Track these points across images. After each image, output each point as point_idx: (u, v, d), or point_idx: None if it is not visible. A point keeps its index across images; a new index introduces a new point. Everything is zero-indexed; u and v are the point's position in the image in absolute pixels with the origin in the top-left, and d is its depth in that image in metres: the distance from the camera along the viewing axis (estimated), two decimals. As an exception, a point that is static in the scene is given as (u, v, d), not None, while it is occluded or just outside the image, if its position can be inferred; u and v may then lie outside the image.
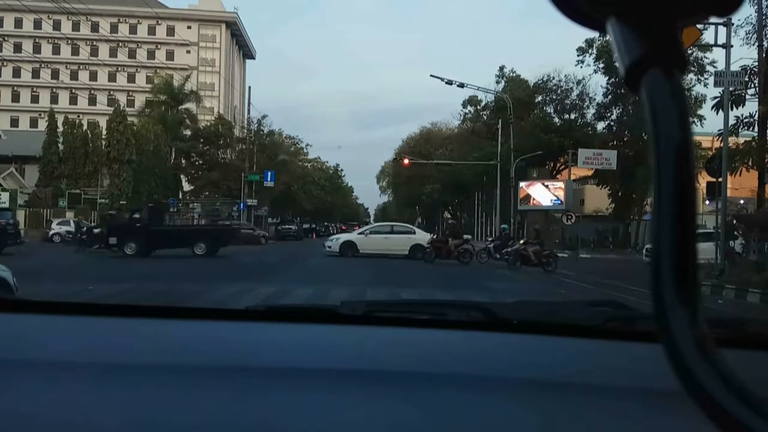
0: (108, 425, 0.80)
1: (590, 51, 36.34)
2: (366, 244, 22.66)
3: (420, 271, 17.01)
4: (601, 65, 35.94)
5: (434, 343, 1.18)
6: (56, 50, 68.56)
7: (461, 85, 33.01)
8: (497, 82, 43.13)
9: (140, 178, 40.13)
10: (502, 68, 43.65)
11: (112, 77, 68.71)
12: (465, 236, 22.69)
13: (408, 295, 9.68)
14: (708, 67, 31.06)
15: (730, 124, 15.82)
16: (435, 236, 23.88)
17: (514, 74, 43.37)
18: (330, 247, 23.32)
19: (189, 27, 72.92)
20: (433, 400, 0.89)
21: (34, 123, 63.32)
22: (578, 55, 37.14)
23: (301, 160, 61.76)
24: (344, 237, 25.02)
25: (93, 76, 67.44)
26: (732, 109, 16.08)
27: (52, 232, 30.25)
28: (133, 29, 70.46)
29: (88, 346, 1.11)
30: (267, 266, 17.16)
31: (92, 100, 63.81)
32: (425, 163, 47.63)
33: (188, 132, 47.60)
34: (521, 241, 21.41)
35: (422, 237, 23.07)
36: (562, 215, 31.99)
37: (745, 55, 42.78)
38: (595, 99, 39.58)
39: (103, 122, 43.04)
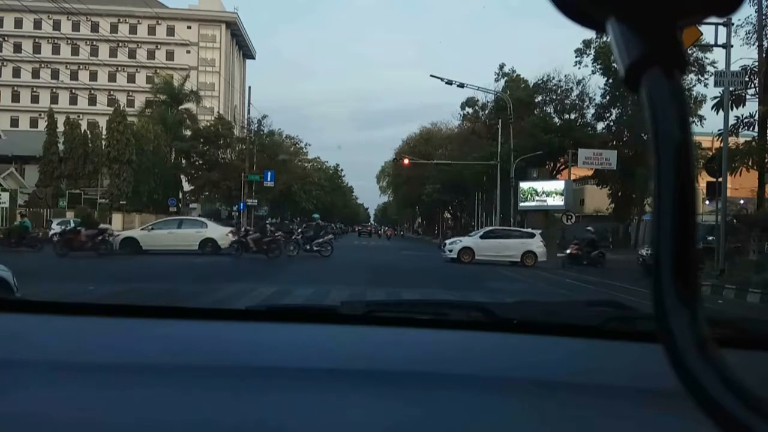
0: (108, 425, 0.80)
1: (588, 52, 36.32)
2: (150, 240, 21.14)
3: (420, 271, 17.01)
4: (599, 66, 35.91)
5: (434, 343, 1.18)
6: (56, 50, 68.55)
7: (461, 85, 33.01)
8: (497, 80, 43.14)
9: (140, 178, 40.12)
10: (501, 66, 43.64)
11: (112, 77, 68.70)
12: (293, 227, 22.12)
13: (408, 295, 9.68)
14: (708, 67, 31.04)
15: (730, 124, 15.83)
16: (246, 229, 22.59)
17: (514, 73, 43.38)
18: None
19: (189, 27, 72.91)
20: (433, 400, 0.89)
21: (34, 123, 63.30)
22: (576, 57, 37.14)
23: (301, 160, 61.77)
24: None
25: (93, 76, 67.43)
26: (732, 109, 16.10)
27: (52, 232, 30.30)
28: (133, 29, 70.45)
29: (88, 346, 1.11)
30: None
31: (92, 100, 63.80)
32: (425, 163, 47.60)
33: (188, 132, 47.60)
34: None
35: (215, 230, 21.88)
36: (562, 215, 31.99)
37: (745, 55, 42.81)
38: (594, 99, 39.60)
39: (103, 122, 43.03)
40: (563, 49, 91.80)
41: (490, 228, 28.75)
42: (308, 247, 20.43)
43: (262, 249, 19.00)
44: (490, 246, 21.86)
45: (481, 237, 22.93)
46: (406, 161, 46.42)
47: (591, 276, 16.75)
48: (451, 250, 22.16)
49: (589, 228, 26.12)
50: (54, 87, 65.85)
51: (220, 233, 21.70)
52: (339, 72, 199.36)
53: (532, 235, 22.84)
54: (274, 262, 18.26)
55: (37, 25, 63.30)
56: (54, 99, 64.23)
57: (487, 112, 44.46)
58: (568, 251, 20.98)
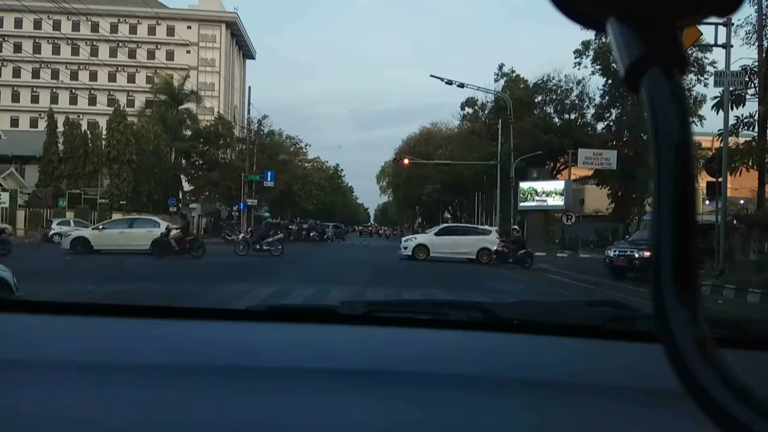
0: (108, 425, 0.80)
1: (587, 53, 36.33)
2: (101, 239, 20.75)
3: (420, 271, 17.03)
4: (599, 67, 35.92)
5: (434, 343, 1.17)
6: (56, 50, 68.55)
7: (461, 85, 33.01)
8: (496, 80, 43.18)
9: (140, 178, 40.13)
10: (501, 66, 43.67)
11: (112, 77, 68.69)
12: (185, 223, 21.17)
13: (408, 295, 9.68)
14: (708, 67, 31.03)
15: (730, 124, 15.82)
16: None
17: (513, 73, 43.40)
18: None
19: (189, 27, 72.90)
20: (433, 400, 0.89)
21: (34, 123, 63.30)
22: (575, 57, 37.15)
23: (301, 160, 61.79)
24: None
25: (93, 76, 67.43)
26: (732, 109, 16.08)
27: (52, 232, 30.29)
28: (133, 29, 70.44)
29: (88, 346, 1.11)
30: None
31: (92, 100, 63.81)
32: (425, 163, 47.62)
33: (188, 132, 47.59)
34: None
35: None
36: (562, 215, 32.00)
37: (745, 55, 42.81)
38: (594, 99, 39.61)
39: (103, 122, 43.03)
40: (563, 50, 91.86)
41: (446, 225, 28.52)
42: (258, 247, 20.07)
43: (185, 249, 18.33)
44: (444, 243, 21.66)
45: (436, 234, 22.76)
46: (406, 161, 46.43)
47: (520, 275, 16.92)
48: (405, 248, 21.91)
49: (515, 227, 26.02)
50: (54, 87, 65.84)
51: (172, 233, 20.65)
52: (339, 72, 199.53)
53: (488, 232, 22.77)
54: (197, 262, 17.56)
55: (37, 25, 63.28)
56: (54, 99, 64.23)
57: (487, 112, 44.49)
58: (494, 248, 20.89)
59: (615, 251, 17.18)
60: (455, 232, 22.97)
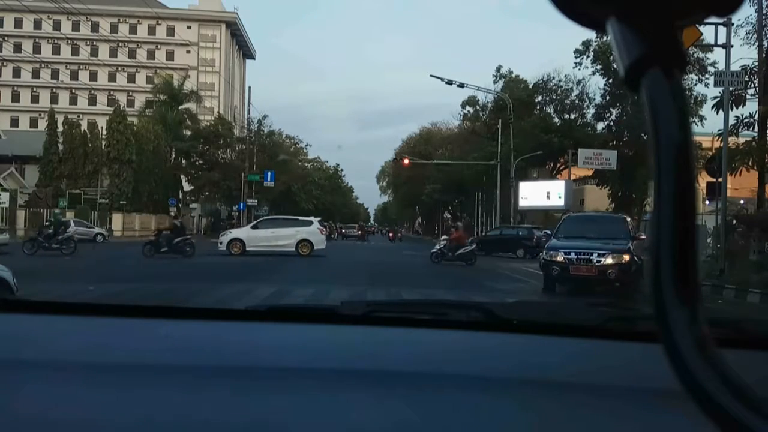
0: (108, 425, 0.80)
1: (587, 53, 36.32)
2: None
3: (420, 271, 17.02)
4: (599, 67, 35.91)
5: (434, 343, 1.17)
6: (56, 50, 68.55)
7: (461, 85, 33.03)
8: (495, 82, 43.19)
9: (140, 178, 40.14)
10: (499, 68, 43.67)
11: (112, 77, 68.70)
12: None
13: (408, 295, 9.68)
14: (708, 67, 31.02)
15: (730, 124, 15.81)
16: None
17: (512, 74, 43.41)
18: None
19: (189, 27, 72.91)
20: (433, 400, 0.89)
21: (34, 123, 63.34)
22: (576, 57, 37.14)
23: (301, 160, 61.75)
24: None
25: (93, 76, 67.43)
26: (732, 109, 16.07)
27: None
28: (133, 29, 70.45)
29: (88, 346, 1.11)
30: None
31: (92, 100, 63.81)
32: (425, 163, 47.63)
33: (188, 132, 47.61)
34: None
35: None
36: (562, 215, 31.98)
37: (745, 55, 42.77)
38: (594, 99, 39.60)
39: (103, 122, 43.04)
40: (563, 50, 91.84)
41: (265, 217, 27.42)
42: (47, 245, 19.37)
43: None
44: (261, 236, 21.00)
45: (253, 227, 22.12)
46: (406, 161, 46.44)
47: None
48: (221, 243, 21.26)
49: (458, 223, 25.01)
50: (54, 87, 65.86)
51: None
52: (339, 72, 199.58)
53: (309, 223, 22.01)
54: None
55: (37, 25, 63.30)
56: (54, 99, 64.24)
57: (487, 112, 44.49)
58: (437, 247, 20.21)
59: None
60: (273, 225, 22.20)
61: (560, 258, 11.59)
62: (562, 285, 11.85)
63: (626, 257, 11.40)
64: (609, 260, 11.38)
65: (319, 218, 24.39)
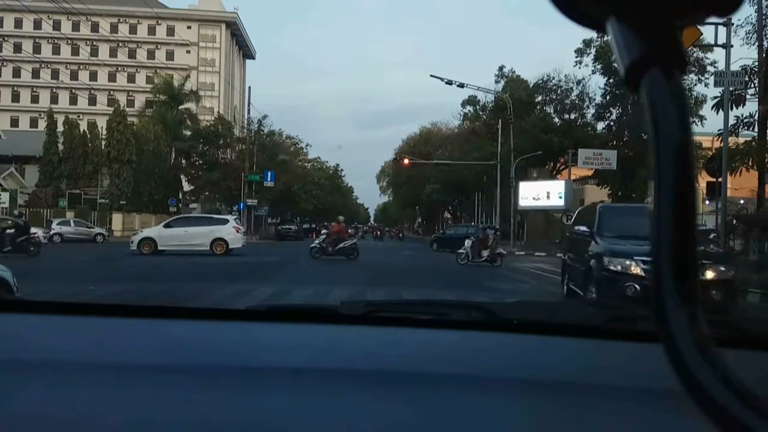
0: (108, 425, 0.80)
1: (588, 52, 36.33)
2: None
3: (421, 271, 17.03)
4: (600, 66, 35.91)
5: (434, 343, 1.17)
6: (56, 50, 68.55)
7: (461, 85, 33.03)
8: (496, 82, 43.22)
9: (140, 178, 40.13)
10: (501, 68, 43.73)
11: (112, 77, 68.70)
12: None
13: (408, 295, 9.65)
14: (708, 67, 31.03)
15: (730, 124, 15.81)
16: None
17: (514, 74, 43.43)
18: None
19: (189, 27, 72.90)
20: (433, 400, 0.89)
21: (34, 123, 63.31)
22: (576, 57, 37.14)
23: (301, 160, 61.73)
24: None
25: (93, 76, 67.43)
26: (732, 109, 16.07)
27: (52, 232, 30.25)
28: (133, 29, 70.44)
29: (88, 346, 1.11)
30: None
31: (92, 100, 63.80)
32: (425, 163, 47.63)
33: (188, 132, 47.61)
34: None
35: None
36: (562, 215, 31.98)
37: (745, 55, 42.80)
38: (594, 99, 39.60)
39: (103, 122, 43.05)
40: (563, 50, 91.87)
41: (180, 216, 26.81)
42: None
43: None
44: (174, 235, 20.54)
45: (165, 226, 21.45)
46: (406, 161, 46.43)
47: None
48: (132, 242, 20.87)
49: (339, 217, 23.64)
50: (54, 87, 65.84)
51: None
52: (339, 72, 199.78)
53: (225, 222, 21.55)
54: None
55: (37, 25, 63.30)
56: (54, 99, 64.24)
57: (487, 112, 44.50)
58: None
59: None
60: (186, 224, 21.69)
61: (638, 270, 7.98)
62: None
63: (730, 270, 8.56)
64: (710, 274, 8.18)
65: (235, 217, 23.27)
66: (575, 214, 12.01)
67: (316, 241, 20.28)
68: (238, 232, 21.36)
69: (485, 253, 19.48)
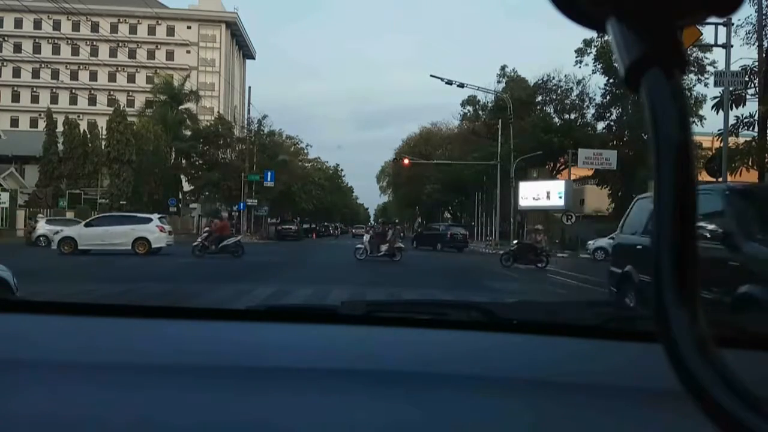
0: (108, 425, 0.80)
1: (589, 51, 36.32)
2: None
3: (420, 271, 17.04)
4: (600, 66, 35.91)
5: (434, 343, 1.17)
6: (56, 50, 68.56)
7: (461, 85, 33.04)
8: (498, 82, 43.20)
9: (140, 178, 40.14)
10: (503, 68, 43.72)
11: (112, 77, 68.72)
12: None
13: (408, 295, 9.67)
14: (708, 67, 31.03)
15: (730, 124, 15.82)
16: None
17: (515, 74, 43.43)
18: None
19: (189, 27, 72.92)
20: (433, 400, 0.89)
21: (34, 123, 63.30)
22: (577, 56, 37.14)
23: (301, 160, 61.73)
24: None
25: (93, 76, 67.44)
26: (732, 109, 16.08)
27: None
28: (133, 29, 70.46)
29: (88, 346, 1.11)
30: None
31: (92, 100, 63.82)
32: (425, 163, 47.64)
33: (188, 132, 47.61)
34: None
35: None
36: (562, 215, 31.99)
37: (745, 55, 42.77)
38: (594, 99, 39.60)
39: (103, 122, 43.06)
40: (563, 49, 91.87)
41: (102, 214, 25.96)
42: None
43: None
44: (95, 234, 20.20)
45: (86, 225, 21.09)
46: (406, 161, 46.44)
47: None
48: (53, 241, 20.43)
49: (223, 214, 23.91)
50: (54, 87, 65.85)
51: None
52: (339, 72, 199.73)
53: (148, 221, 21.05)
54: None
55: (37, 25, 63.31)
56: (54, 99, 64.28)
57: (487, 112, 44.51)
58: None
59: None
60: (108, 222, 21.32)
61: None
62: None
63: None
64: None
65: (160, 215, 22.66)
66: (633, 205, 8.19)
67: (199, 239, 19.79)
68: (162, 231, 20.83)
69: (384, 248, 19.42)
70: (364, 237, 20.46)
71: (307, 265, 18.38)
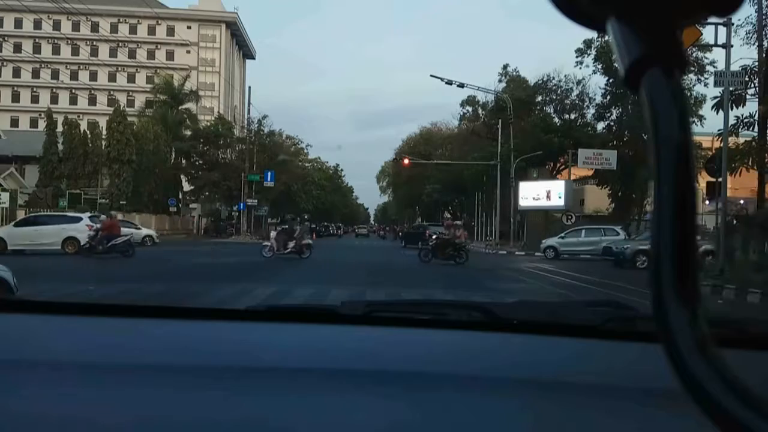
0: (108, 425, 0.80)
1: (589, 52, 36.30)
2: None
3: (420, 271, 17.03)
4: (600, 66, 35.90)
5: (434, 343, 1.17)
6: (56, 50, 68.56)
7: (461, 85, 33.06)
8: (500, 81, 43.16)
9: (140, 178, 40.13)
10: (505, 67, 43.66)
11: (112, 77, 68.71)
12: None
13: (408, 295, 9.67)
14: (708, 67, 31.02)
15: (730, 124, 15.81)
16: None
17: (516, 74, 43.40)
18: None
19: (189, 27, 72.92)
20: (433, 400, 0.89)
21: (34, 123, 63.29)
22: (577, 56, 37.12)
23: (301, 160, 61.77)
24: None
25: (93, 76, 67.44)
26: (732, 109, 16.07)
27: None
28: (133, 29, 70.46)
29: (88, 346, 1.11)
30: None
31: (92, 100, 63.82)
32: (425, 163, 47.66)
33: (188, 132, 47.62)
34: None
35: None
36: (562, 215, 31.99)
37: (745, 55, 42.80)
38: (594, 99, 39.58)
39: (103, 122, 43.05)
40: (563, 49, 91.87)
41: (30, 215, 25.85)
42: None
43: None
44: (24, 234, 20.05)
45: (15, 225, 21.04)
46: (406, 161, 46.47)
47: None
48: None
49: (112, 212, 22.94)
50: (54, 87, 65.86)
51: None
52: (339, 72, 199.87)
53: (78, 220, 20.75)
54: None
55: (37, 25, 63.31)
56: (54, 99, 64.28)
57: (487, 112, 44.49)
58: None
59: None
60: (38, 222, 21.07)
61: None
62: None
63: None
64: None
65: (90, 214, 22.23)
66: None
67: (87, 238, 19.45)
68: (91, 230, 20.43)
69: (291, 245, 19.43)
70: (271, 233, 20.20)
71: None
